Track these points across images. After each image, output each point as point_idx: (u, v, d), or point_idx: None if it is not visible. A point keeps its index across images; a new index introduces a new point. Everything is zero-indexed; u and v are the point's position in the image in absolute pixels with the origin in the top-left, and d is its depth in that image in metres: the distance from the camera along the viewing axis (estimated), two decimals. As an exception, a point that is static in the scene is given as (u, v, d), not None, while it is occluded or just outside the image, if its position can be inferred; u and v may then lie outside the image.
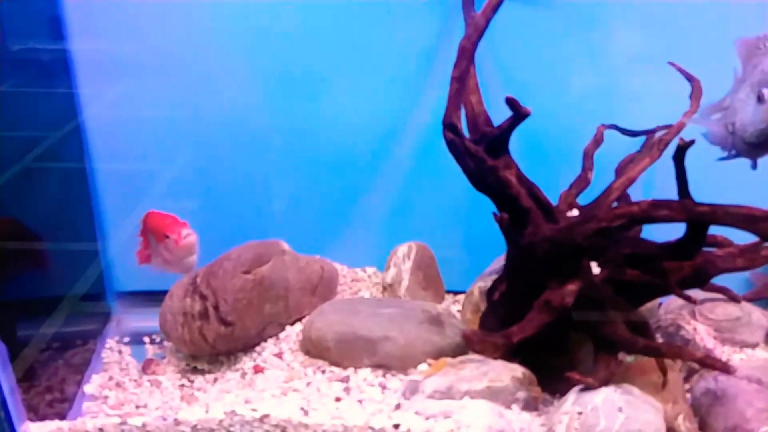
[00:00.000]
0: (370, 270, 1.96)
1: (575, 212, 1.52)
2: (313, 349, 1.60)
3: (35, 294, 1.66)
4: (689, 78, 1.55)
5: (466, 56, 1.38)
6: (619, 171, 1.62)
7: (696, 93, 1.52)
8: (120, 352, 1.72)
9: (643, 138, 1.67)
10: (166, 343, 1.73)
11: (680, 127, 1.49)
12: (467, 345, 1.35)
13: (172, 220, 1.37)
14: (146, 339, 1.77)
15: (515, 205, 1.36)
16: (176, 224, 1.35)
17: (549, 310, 1.30)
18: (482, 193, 1.43)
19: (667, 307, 1.71)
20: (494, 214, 1.41)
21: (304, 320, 1.73)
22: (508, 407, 1.34)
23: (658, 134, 1.61)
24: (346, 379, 1.50)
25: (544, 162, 1.67)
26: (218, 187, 1.84)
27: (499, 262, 1.77)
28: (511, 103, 1.23)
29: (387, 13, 1.69)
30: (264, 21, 1.70)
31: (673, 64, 1.56)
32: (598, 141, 1.60)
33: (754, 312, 1.66)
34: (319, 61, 1.75)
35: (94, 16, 1.68)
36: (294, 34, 1.72)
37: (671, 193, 1.26)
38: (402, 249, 1.83)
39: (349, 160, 1.84)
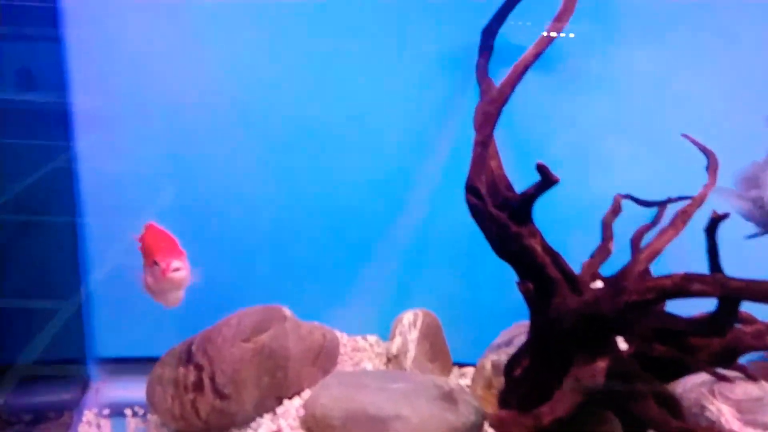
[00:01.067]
0: (372, 338, 1.85)
1: (599, 284, 1.47)
2: (316, 426, 1.46)
3: (3, 359, 1.51)
4: (704, 151, 1.55)
5: (490, 121, 1.35)
6: (635, 242, 1.59)
7: (713, 166, 1.52)
8: (99, 426, 1.56)
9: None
10: (150, 416, 1.57)
11: (702, 198, 1.47)
12: (500, 428, 1.24)
13: (168, 244, 1.21)
14: (128, 411, 1.61)
15: (541, 274, 1.30)
16: (170, 252, 1.19)
17: (580, 390, 1.22)
18: (504, 260, 1.37)
19: (685, 386, 1.64)
20: (518, 283, 1.34)
21: (304, 394, 1.60)
22: (531, 495, 1.23)
23: (671, 205, 1.60)
24: (353, 462, 1.38)
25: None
26: (214, 248, 1.74)
27: (508, 334, 1.69)
28: (541, 169, 1.19)
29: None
30: (266, 71, 1.65)
31: (687, 137, 1.57)
32: (616, 210, 1.58)
33: (774, 391, 1.60)
34: (323, 115, 1.69)
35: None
36: (297, 85, 1.67)
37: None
38: (407, 316, 1.74)
39: (349, 220, 1.77)
